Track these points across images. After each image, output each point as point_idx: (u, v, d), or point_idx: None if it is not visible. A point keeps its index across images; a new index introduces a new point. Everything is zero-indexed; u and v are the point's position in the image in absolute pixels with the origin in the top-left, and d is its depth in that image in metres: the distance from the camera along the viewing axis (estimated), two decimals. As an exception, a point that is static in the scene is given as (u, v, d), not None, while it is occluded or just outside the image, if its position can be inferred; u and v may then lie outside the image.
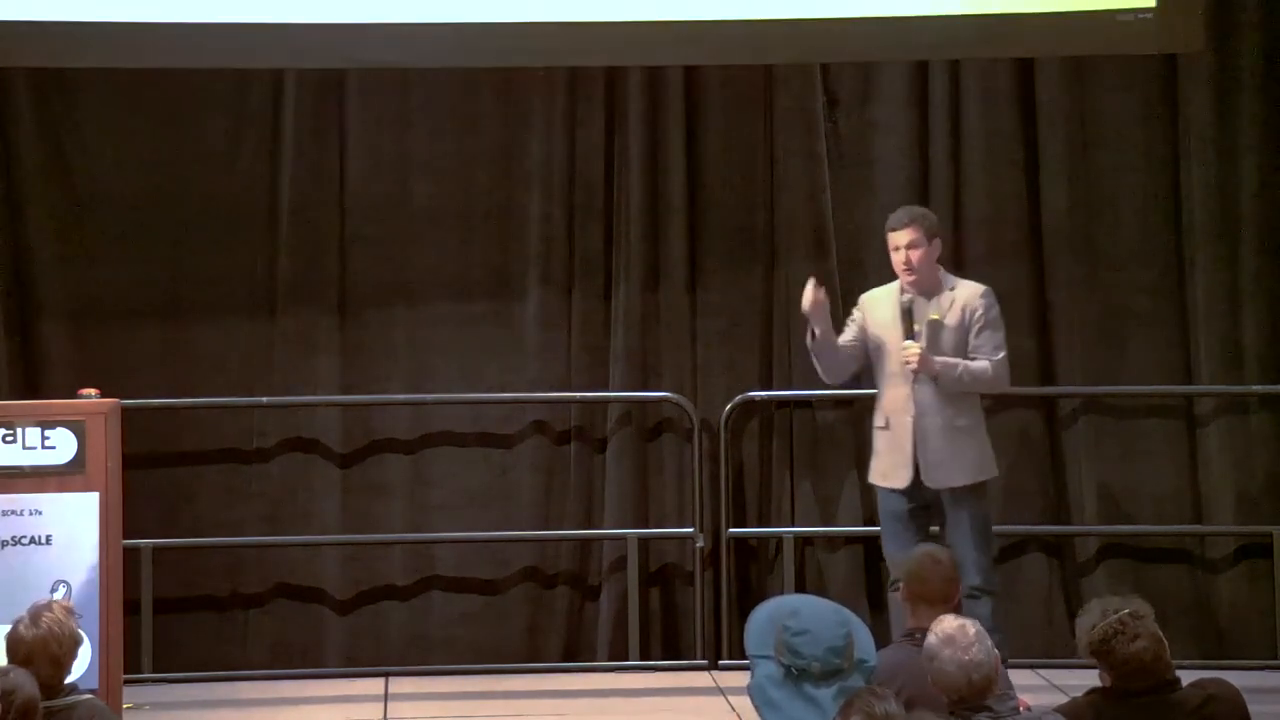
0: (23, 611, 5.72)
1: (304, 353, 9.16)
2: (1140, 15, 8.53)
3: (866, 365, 8.01)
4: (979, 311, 7.81)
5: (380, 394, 9.17)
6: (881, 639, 8.41)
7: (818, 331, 7.85)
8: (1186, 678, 5.30)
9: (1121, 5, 8.54)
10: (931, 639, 5.13)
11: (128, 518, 7.47)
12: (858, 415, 9.30)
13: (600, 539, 9.19)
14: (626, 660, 8.98)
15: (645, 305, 9.25)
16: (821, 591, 9.18)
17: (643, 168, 9.24)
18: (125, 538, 7.45)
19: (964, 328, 7.80)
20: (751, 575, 9.23)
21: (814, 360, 7.99)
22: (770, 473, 9.25)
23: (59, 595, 7.00)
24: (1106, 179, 9.31)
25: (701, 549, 9.03)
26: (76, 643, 5.65)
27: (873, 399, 8.04)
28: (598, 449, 9.24)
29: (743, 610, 8.47)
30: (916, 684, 5.29)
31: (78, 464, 7.18)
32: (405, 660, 8.97)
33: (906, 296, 7.81)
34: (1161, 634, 5.23)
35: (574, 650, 9.13)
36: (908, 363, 7.72)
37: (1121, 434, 9.26)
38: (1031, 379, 9.26)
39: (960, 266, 9.31)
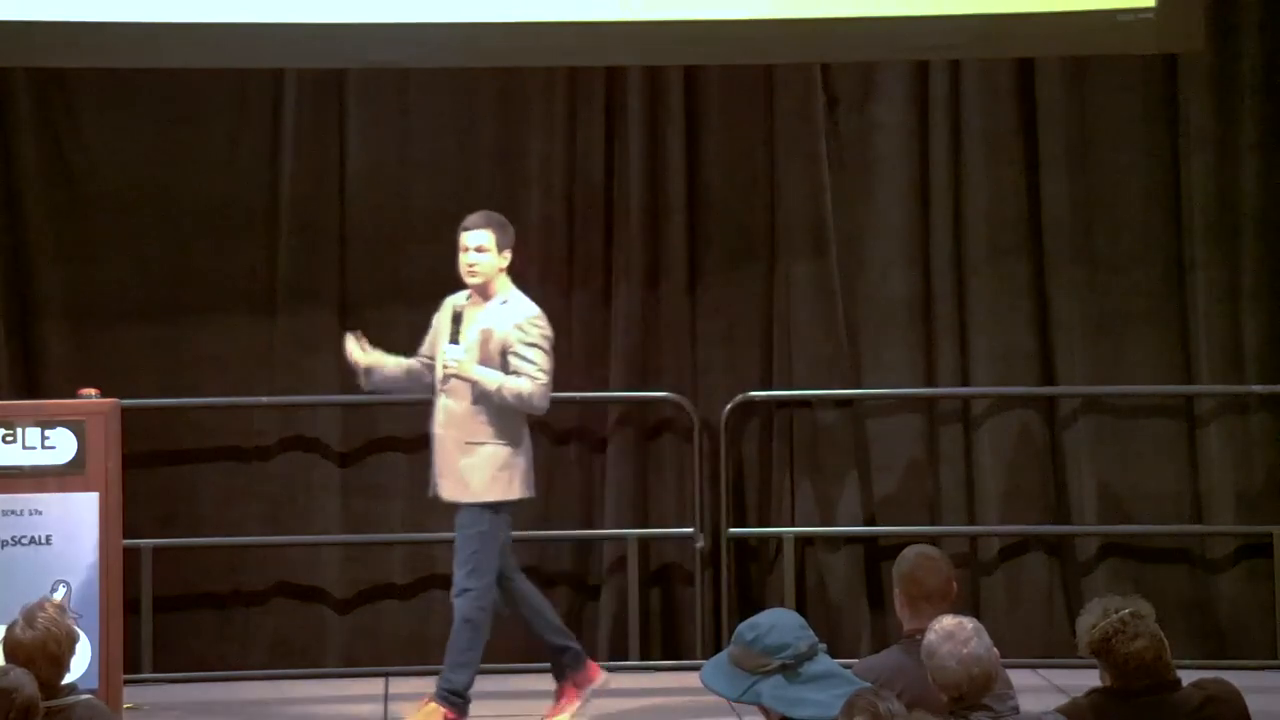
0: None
1: (304, 353, 9.15)
2: (1140, 15, 8.53)
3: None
4: (523, 332, 7.65)
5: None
6: (882, 640, 8.48)
7: (364, 378, 7.84)
8: (1187, 678, 5.30)
9: (1121, 5, 8.54)
10: (930, 636, 5.14)
11: (128, 518, 7.48)
12: (858, 415, 9.30)
13: (600, 539, 9.19)
14: (626, 660, 8.98)
15: (645, 305, 9.25)
16: (821, 591, 9.20)
17: (643, 168, 9.24)
18: (125, 538, 7.46)
19: (504, 344, 7.65)
20: (751, 575, 9.24)
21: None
22: (770, 473, 9.25)
23: (59, 595, 7.00)
24: (1106, 179, 9.31)
25: (701, 549, 9.03)
26: (74, 640, 5.64)
27: (873, 399, 8.06)
28: (598, 449, 9.24)
29: (743, 611, 8.47)
30: (917, 687, 5.28)
31: (78, 464, 7.18)
32: (405, 660, 8.97)
33: (462, 302, 7.75)
34: (1162, 634, 5.22)
35: (574, 650, 9.13)
36: (446, 367, 7.62)
37: (1121, 434, 9.26)
38: (1031, 379, 9.27)
39: (960, 266, 9.33)
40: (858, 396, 9.26)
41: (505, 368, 7.63)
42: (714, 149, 9.31)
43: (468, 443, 7.65)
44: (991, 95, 9.31)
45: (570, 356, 9.23)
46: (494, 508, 7.67)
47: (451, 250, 9.21)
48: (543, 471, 9.18)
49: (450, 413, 7.68)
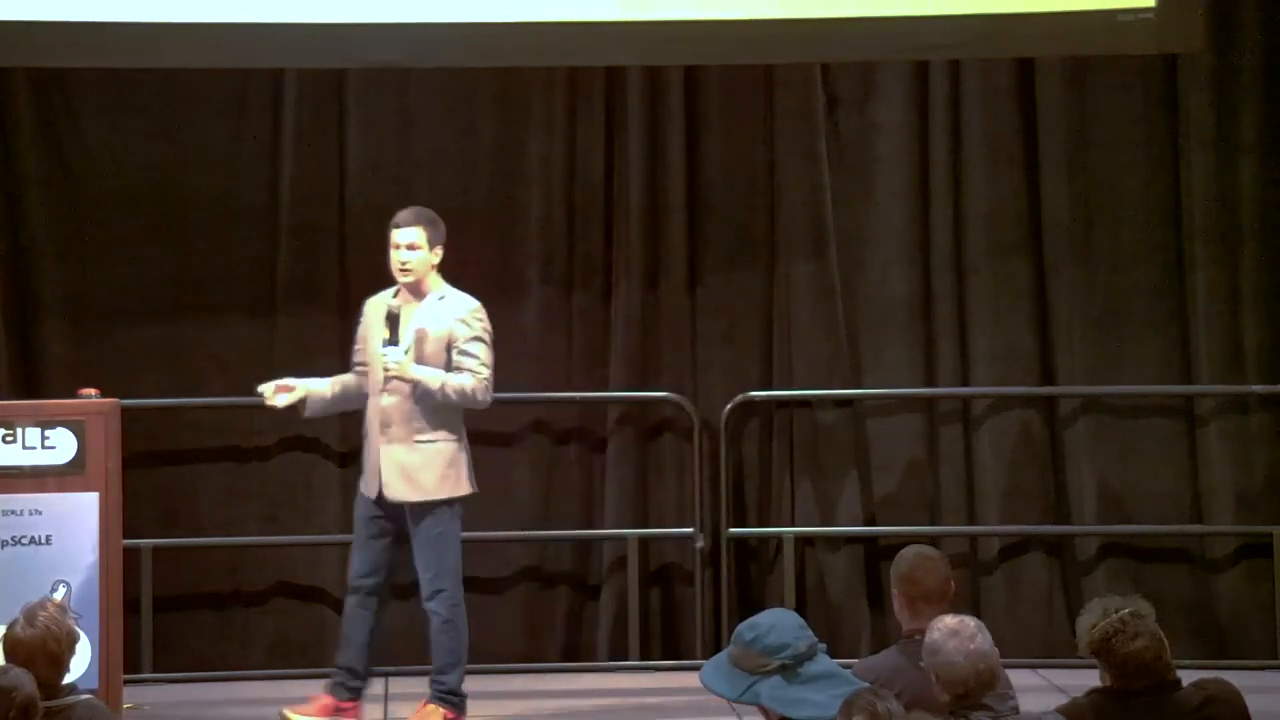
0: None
1: (304, 353, 9.14)
2: (1140, 15, 8.53)
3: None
4: (467, 326, 7.60)
5: (380, 394, 9.17)
6: (883, 640, 8.48)
7: (304, 409, 7.79)
8: (1187, 678, 5.30)
9: (1121, 5, 8.54)
10: (934, 635, 5.13)
11: (128, 518, 7.48)
12: (858, 415, 9.30)
13: (600, 539, 9.19)
14: (626, 660, 8.98)
15: (645, 305, 9.25)
16: (821, 591, 9.19)
17: (643, 168, 9.24)
18: (125, 538, 7.46)
19: (447, 340, 7.59)
20: (751, 575, 9.23)
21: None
22: (770, 473, 9.25)
23: (59, 595, 7.00)
24: (1106, 178, 9.31)
25: (701, 549, 9.03)
26: (74, 640, 5.64)
27: (873, 399, 8.04)
28: (598, 449, 9.24)
29: (743, 611, 8.47)
30: (917, 687, 5.28)
31: (77, 464, 7.18)
32: (405, 660, 8.96)
33: (395, 301, 7.68)
34: (1162, 634, 5.22)
35: (574, 650, 9.13)
36: (386, 369, 7.56)
37: (1121, 434, 9.26)
38: (1031, 379, 9.27)
39: (960, 266, 9.33)
40: (858, 396, 9.26)
41: (450, 363, 7.60)
42: (714, 149, 9.31)
43: (415, 441, 7.61)
44: (991, 95, 9.31)
45: (570, 356, 9.24)
46: (449, 504, 7.65)
47: (451, 251, 9.24)
48: (543, 471, 9.21)
49: (393, 412, 7.62)
